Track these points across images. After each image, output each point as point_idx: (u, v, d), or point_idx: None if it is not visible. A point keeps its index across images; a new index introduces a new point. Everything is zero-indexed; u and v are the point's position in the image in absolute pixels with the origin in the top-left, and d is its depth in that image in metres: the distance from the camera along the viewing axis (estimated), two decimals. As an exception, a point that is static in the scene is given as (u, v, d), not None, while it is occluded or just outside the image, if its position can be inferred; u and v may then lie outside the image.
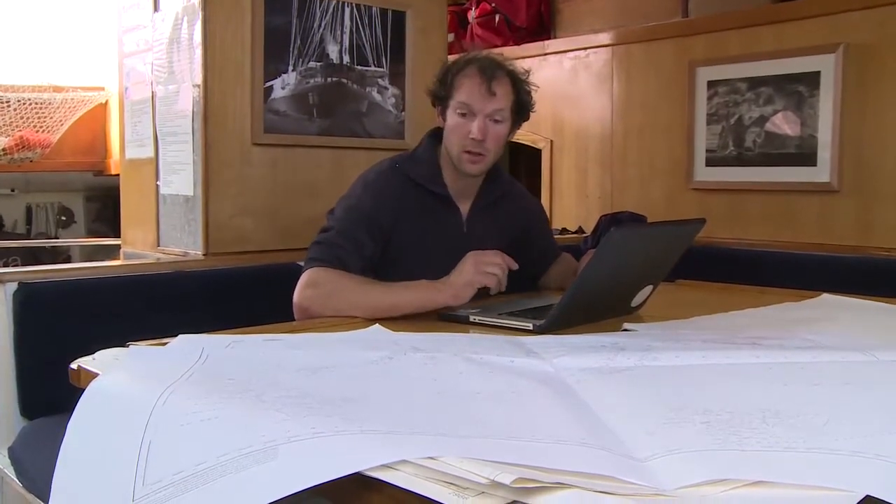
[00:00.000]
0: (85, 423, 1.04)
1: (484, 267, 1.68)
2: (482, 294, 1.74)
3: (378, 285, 1.72)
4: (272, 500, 0.77)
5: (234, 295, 2.25)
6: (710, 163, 3.24)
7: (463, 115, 1.85)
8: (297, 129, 2.55)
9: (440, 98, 1.91)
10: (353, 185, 1.93)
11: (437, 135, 1.97)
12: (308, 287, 1.73)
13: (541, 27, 4.12)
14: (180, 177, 2.48)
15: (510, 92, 1.89)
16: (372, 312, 1.65)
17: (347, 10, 2.63)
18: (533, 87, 1.95)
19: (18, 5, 3.91)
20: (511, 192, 2.09)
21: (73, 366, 1.24)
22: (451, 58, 2.02)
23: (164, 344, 1.31)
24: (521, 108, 1.93)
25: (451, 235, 1.94)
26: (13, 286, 1.96)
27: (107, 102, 4.00)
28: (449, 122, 1.88)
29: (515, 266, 1.71)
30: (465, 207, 1.97)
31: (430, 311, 1.70)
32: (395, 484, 0.77)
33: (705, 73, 3.24)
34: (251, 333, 1.43)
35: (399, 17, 2.76)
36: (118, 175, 2.88)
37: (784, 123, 3.02)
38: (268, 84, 2.47)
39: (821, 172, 2.92)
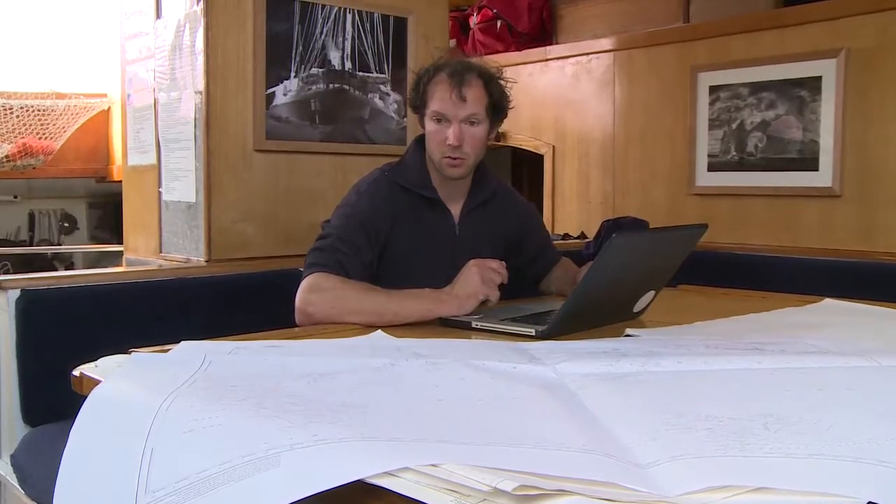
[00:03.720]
0: (87, 430, 1.03)
1: (489, 274, 1.71)
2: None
3: (381, 293, 1.72)
4: (274, 508, 0.77)
5: (236, 301, 2.25)
6: (712, 168, 3.24)
7: (438, 121, 1.87)
8: (298, 135, 2.55)
9: (416, 106, 1.93)
10: (347, 194, 1.95)
11: (422, 140, 1.99)
12: (311, 291, 1.73)
13: (542, 33, 4.13)
14: (182, 183, 2.48)
15: (483, 94, 1.88)
16: (374, 319, 1.65)
17: (349, 17, 2.63)
18: (509, 83, 1.95)
19: (21, 12, 3.92)
20: (501, 193, 2.10)
21: (76, 373, 1.24)
22: (427, 65, 2.01)
23: (167, 351, 1.31)
24: (497, 107, 1.92)
25: (444, 238, 1.96)
26: (16, 293, 1.96)
27: (109, 109, 4.01)
28: (427, 129, 1.91)
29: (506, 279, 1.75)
30: (455, 210, 1.99)
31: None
32: (396, 491, 0.77)
33: (707, 78, 3.24)
34: (253, 340, 1.43)
35: (401, 24, 2.76)
36: (121, 182, 2.89)
37: (786, 128, 3.02)
38: (270, 90, 2.48)
39: (823, 177, 2.93)
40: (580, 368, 1.22)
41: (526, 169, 4.63)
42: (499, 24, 4.22)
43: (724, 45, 3.21)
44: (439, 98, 1.86)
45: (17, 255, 4.14)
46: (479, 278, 1.70)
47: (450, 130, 1.85)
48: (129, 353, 1.30)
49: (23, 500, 1.86)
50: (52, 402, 1.87)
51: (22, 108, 3.78)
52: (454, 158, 1.88)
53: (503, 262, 1.77)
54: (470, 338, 1.57)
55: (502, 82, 1.94)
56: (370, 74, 2.70)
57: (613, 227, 3.22)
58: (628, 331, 1.59)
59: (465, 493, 0.75)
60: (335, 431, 0.87)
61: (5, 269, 4.02)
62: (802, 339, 1.47)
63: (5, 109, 3.74)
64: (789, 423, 0.93)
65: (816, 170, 2.94)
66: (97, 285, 2.10)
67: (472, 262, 1.74)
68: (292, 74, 2.52)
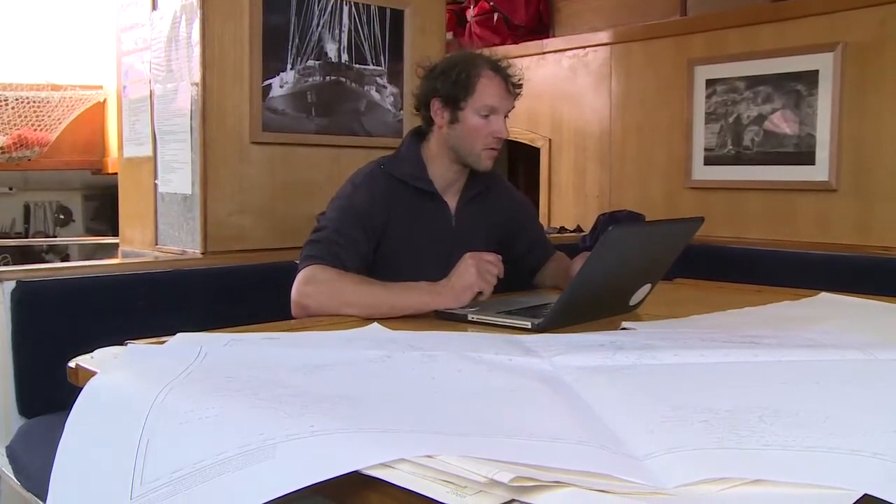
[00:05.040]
0: (83, 421, 1.03)
1: (485, 266, 1.70)
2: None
3: (377, 285, 1.72)
4: (270, 499, 0.77)
5: (232, 293, 2.25)
6: (709, 161, 3.24)
7: (486, 115, 1.88)
8: (295, 127, 2.55)
9: (452, 99, 1.89)
10: (343, 187, 1.95)
11: (419, 133, 2.00)
12: (307, 284, 1.73)
13: (539, 25, 4.12)
14: (178, 175, 2.48)
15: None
16: (370, 312, 1.65)
17: (346, 9, 2.62)
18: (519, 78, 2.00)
19: (17, 4, 3.90)
20: (496, 185, 2.11)
21: (72, 364, 1.23)
22: (450, 57, 2.02)
23: (163, 342, 1.31)
24: None
25: (441, 230, 1.96)
26: (11, 285, 1.96)
27: (105, 101, 3.99)
28: (471, 122, 1.89)
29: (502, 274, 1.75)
30: (452, 202, 1.99)
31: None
32: (393, 482, 0.77)
33: (704, 72, 3.24)
34: (250, 332, 1.43)
35: (398, 16, 2.75)
36: (116, 173, 2.88)
37: (782, 122, 3.02)
38: (266, 82, 2.47)
39: (819, 171, 2.93)
40: (576, 361, 1.22)
41: (522, 162, 4.62)
42: (495, 16, 4.22)
43: (721, 38, 3.20)
44: (493, 93, 1.88)
45: (13, 247, 4.14)
46: (475, 271, 1.70)
47: (499, 124, 1.89)
48: (125, 344, 1.30)
49: (19, 491, 1.86)
50: (47, 394, 1.86)
51: (17, 99, 3.76)
52: (494, 150, 1.92)
53: (499, 256, 1.77)
54: (466, 330, 1.57)
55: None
56: (367, 67, 2.69)
57: (610, 220, 3.21)
58: (624, 324, 1.59)
59: (462, 485, 0.75)
60: (331, 423, 0.87)
61: (5, 261, 4.01)
62: (798, 332, 1.48)
63: (0, 101, 3.73)
64: (785, 415, 0.94)
65: (813, 164, 2.94)
66: (93, 277, 2.10)
67: (468, 254, 1.74)
68: (289, 66, 2.52)
